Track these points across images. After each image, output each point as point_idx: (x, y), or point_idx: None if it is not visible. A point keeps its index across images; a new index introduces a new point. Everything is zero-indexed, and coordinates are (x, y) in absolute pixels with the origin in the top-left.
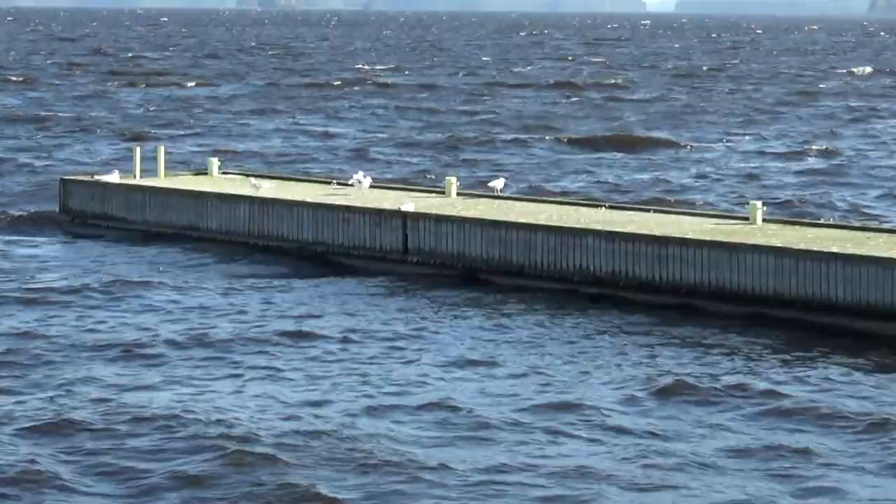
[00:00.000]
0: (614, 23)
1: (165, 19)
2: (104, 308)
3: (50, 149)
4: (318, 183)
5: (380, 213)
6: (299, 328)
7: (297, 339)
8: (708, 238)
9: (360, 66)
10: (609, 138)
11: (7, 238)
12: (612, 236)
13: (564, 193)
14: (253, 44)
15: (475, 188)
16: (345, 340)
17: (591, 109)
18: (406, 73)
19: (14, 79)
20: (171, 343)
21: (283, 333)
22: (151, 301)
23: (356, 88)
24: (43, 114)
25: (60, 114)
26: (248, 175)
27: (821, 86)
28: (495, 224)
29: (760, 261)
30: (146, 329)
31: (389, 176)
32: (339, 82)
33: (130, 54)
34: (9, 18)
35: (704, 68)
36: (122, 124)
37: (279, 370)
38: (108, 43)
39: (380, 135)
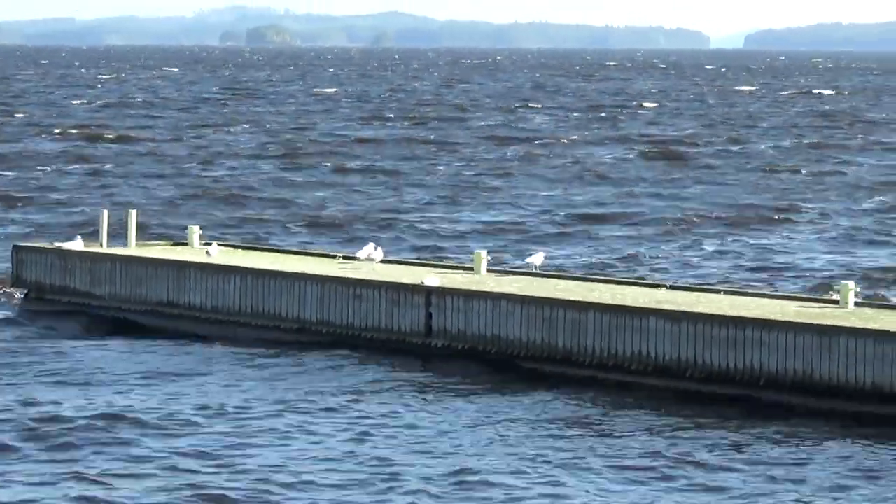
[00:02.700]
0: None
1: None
2: (67, 400)
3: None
4: (319, 257)
5: (399, 288)
6: (298, 425)
7: (293, 441)
8: (794, 320)
9: None
10: None
11: None
12: (678, 317)
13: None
14: None
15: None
16: (359, 440)
17: None
18: None
19: None
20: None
21: (279, 432)
22: (119, 392)
23: None
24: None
25: None
26: (236, 247)
27: None
28: (538, 301)
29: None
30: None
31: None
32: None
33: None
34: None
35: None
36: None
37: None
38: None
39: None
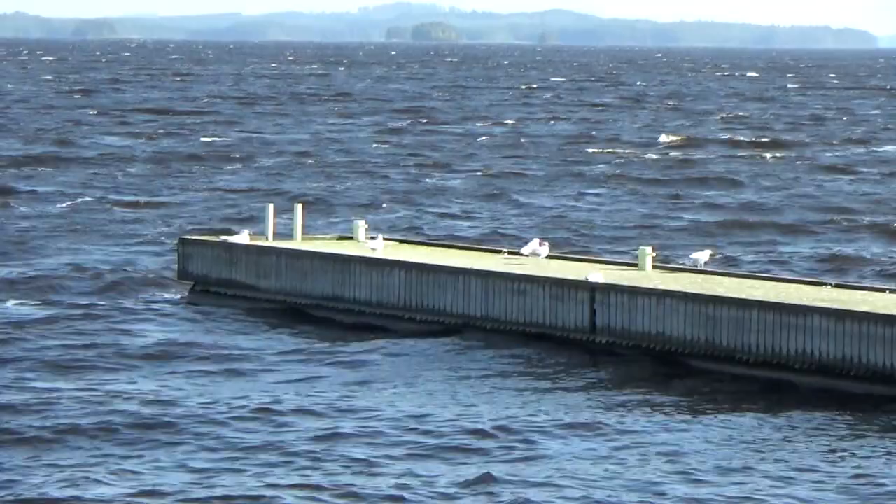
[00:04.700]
0: None
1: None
2: (223, 397)
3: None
4: (485, 252)
5: (562, 283)
6: (476, 428)
7: (465, 453)
8: None
9: None
10: None
11: (112, 307)
12: (842, 315)
13: None
14: None
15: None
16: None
17: None
18: None
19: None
20: (295, 450)
21: (445, 446)
22: (278, 389)
23: None
24: None
25: None
26: (401, 241)
27: None
28: (700, 299)
29: None
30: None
31: None
32: None
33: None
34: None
35: None
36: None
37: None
38: None
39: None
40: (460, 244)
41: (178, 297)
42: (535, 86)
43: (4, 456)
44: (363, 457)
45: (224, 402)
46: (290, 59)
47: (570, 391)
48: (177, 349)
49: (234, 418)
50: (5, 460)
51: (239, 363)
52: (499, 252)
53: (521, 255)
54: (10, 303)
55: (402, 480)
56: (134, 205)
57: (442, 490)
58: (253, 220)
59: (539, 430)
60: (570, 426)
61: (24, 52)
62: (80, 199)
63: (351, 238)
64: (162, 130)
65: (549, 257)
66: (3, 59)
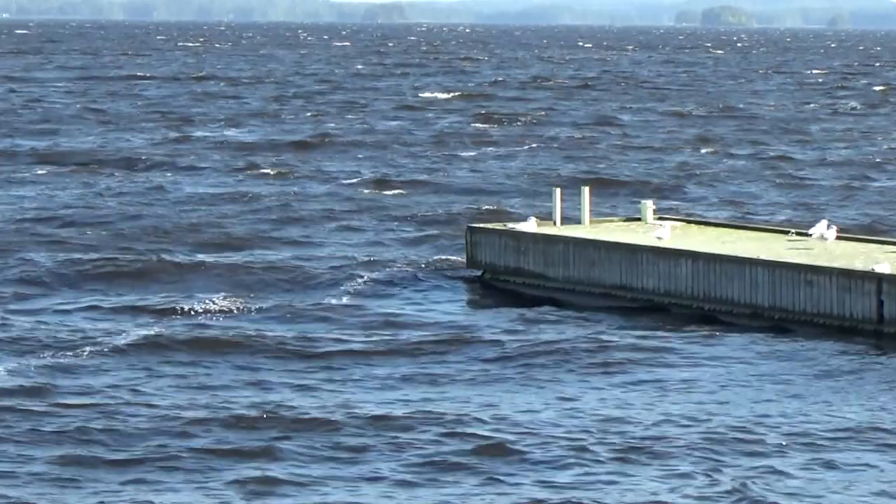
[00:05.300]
0: None
1: None
2: (510, 388)
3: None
4: (771, 232)
5: (849, 274)
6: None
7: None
8: None
9: None
10: None
11: (402, 294)
12: None
13: None
14: None
15: None
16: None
17: None
18: None
19: None
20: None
21: (740, 440)
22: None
23: None
24: None
25: None
26: (689, 222)
27: None
28: None
29: None
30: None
31: None
32: None
33: None
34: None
35: None
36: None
37: None
38: None
39: None
40: (747, 224)
41: (469, 285)
42: (819, 70)
43: (306, 446)
44: (659, 452)
45: (515, 399)
46: (578, 43)
47: (862, 389)
48: (472, 339)
49: (523, 412)
50: (305, 451)
51: (536, 354)
52: (786, 233)
53: (809, 236)
54: (295, 290)
55: (685, 478)
56: (415, 186)
57: (719, 486)
58: (536, 204)
59: (834, 430)
60: (859, 428)
61: (309, 37)
62: (360, 179)
63: (639, 219)
64: (445, 115)
65: (836, 239)
66: (288, 43)
